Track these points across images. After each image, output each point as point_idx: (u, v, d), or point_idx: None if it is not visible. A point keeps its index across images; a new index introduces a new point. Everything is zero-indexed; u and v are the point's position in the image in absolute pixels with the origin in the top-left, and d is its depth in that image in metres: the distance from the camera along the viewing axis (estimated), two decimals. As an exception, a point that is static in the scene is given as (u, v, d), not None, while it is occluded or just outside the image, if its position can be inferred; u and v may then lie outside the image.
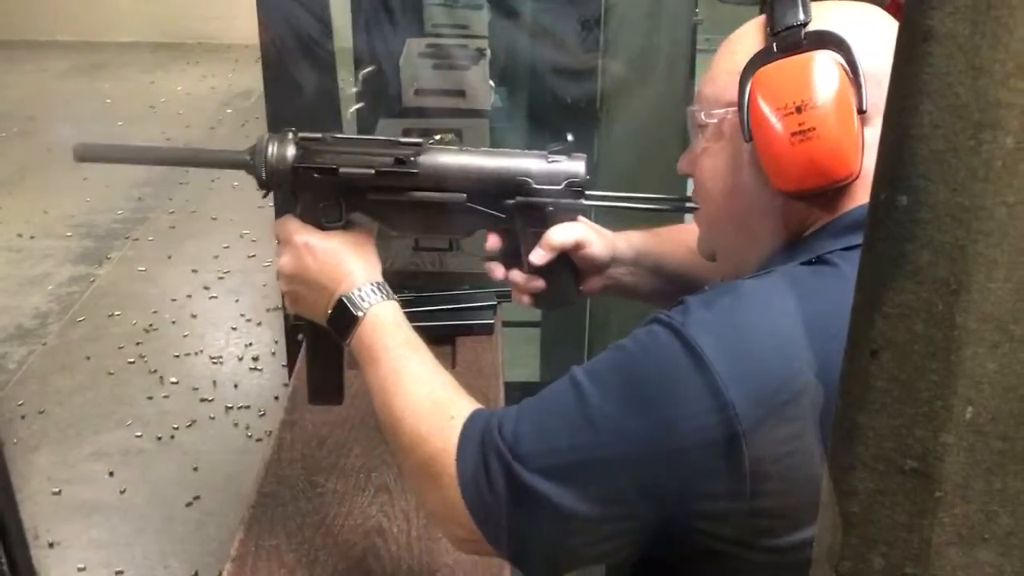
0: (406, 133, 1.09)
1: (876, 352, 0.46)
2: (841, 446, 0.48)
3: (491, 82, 2.66)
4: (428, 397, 0.95)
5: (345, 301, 1.02)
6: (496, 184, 1.06)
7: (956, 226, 0.43)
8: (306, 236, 1.05)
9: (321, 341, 1.10)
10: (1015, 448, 0.45)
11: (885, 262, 0.45)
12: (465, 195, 1.05)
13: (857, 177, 0.85)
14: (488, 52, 2.68)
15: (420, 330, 1.03)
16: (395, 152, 1.04)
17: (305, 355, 1.12)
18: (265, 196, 1.08)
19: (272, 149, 1.04)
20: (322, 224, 1.06)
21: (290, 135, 1.05)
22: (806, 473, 0.79)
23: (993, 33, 0.40)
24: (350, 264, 1.04)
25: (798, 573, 0.57)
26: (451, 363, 1.61)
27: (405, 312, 1.03)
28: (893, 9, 0.87)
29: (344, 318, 1.02)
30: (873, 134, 0.86)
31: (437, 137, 2.04)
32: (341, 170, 1.03)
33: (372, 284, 1.03)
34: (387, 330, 1.00)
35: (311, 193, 1.05)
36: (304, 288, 1.06)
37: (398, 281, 1.38)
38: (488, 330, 1.68)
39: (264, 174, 1.05)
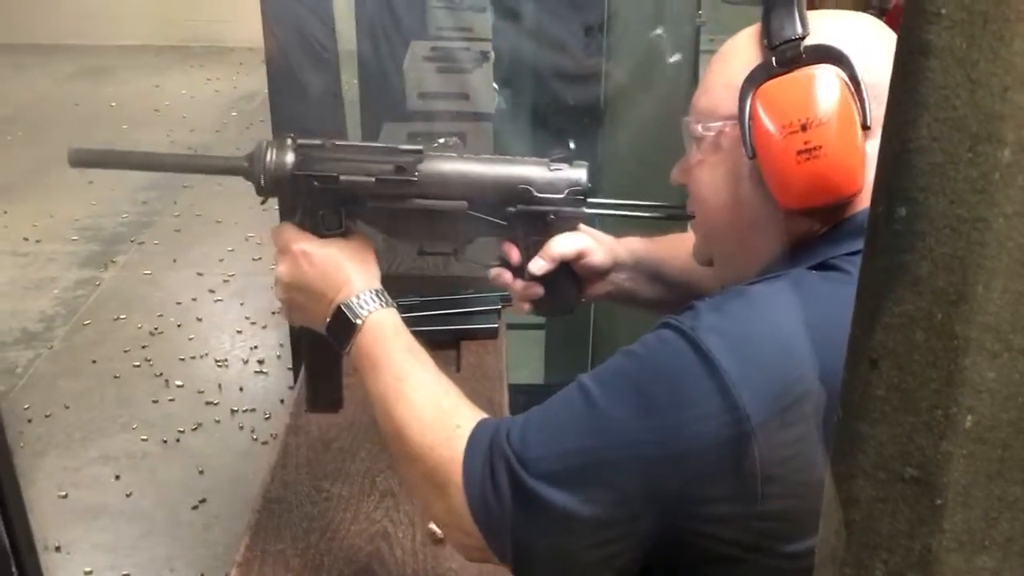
0: (410, 137, 1.09)
1: (876, 361, 0.46)
2: (842, 454, 0.49)
3: (495, 85, 2.66)
4: (432, 405, 0.94)
5: (344, 309, 1.01)
6: (497, 192, 1.05)
7: (955, 237, 0.43)
8: (304, 244, 1.04)
9: (319, 349, 1.08)
10: (1015, 456, 0.46)
11: (884, 273, 0.45)
12: (466, 203, 1.05)
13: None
14: (492, 55, 2.68)
15: (424, 334, 1.02)
16: (395, 159, 1.03)
17: (304, 363, 1.11)
18: (264, 203, 1.07)
19: (271, 155, 1.03)
20: (320, 231, 1.05)
21: (289, 141, 1.04)
22: (815, 477, 0.79)
23: (990, 47, 0.41)
24: (349, 271, 1.03)
25: None
26: (455, 367, 1.61)
27: (409, 317, 1.03)
28: (894, 18, 0.87)
29: (343, 326, 1.01)
30: (874, 147, 0.86)
31: (441, 141, 2.04)
32: (341, 178, 1.02)
33: (371, 291, 1.02)
34: (387, 337, 1.00)
35: (310, 200, 1.04)
36: (302, 296, 1.05)
37: (402, 286, 1.39)
38: (492, 334, 1.69)
39: (263, 181, 1.03)
